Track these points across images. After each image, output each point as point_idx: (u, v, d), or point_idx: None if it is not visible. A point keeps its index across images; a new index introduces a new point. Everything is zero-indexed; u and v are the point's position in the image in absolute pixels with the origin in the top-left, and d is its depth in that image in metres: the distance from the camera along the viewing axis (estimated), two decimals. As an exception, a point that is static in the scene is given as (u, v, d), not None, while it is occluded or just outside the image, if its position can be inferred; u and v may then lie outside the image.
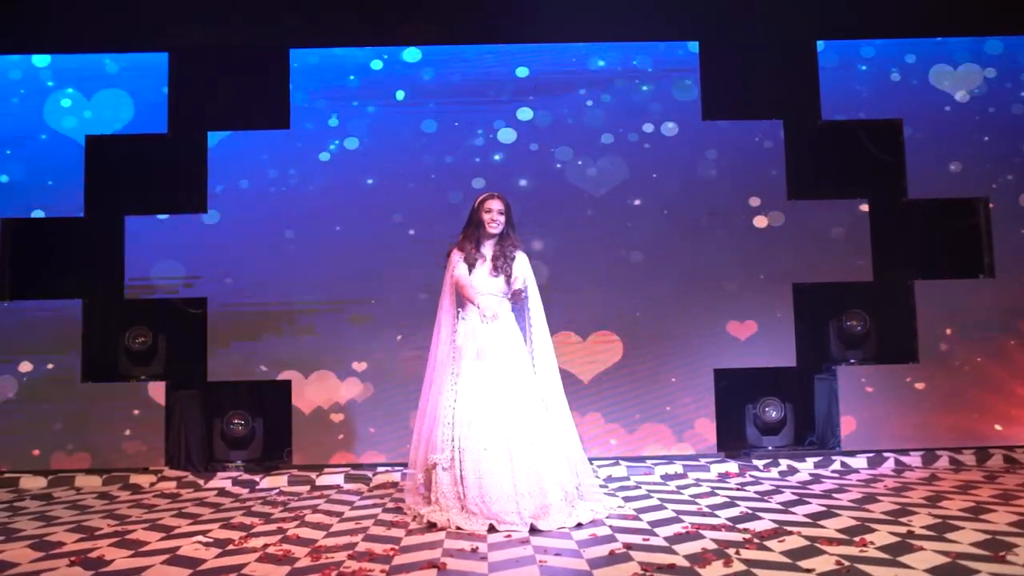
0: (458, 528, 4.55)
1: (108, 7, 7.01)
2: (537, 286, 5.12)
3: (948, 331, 6.93)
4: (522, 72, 7.18)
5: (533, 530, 4.51)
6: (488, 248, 5.03)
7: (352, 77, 7.16)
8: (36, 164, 7.01)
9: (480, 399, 4.77)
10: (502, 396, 4.77)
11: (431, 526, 4.64)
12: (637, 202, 7.09)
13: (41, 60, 7.11)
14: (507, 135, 7.13)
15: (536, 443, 4.71)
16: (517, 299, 5.04)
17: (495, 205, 5.02)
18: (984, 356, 6.91)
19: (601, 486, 5.90)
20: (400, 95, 7.16)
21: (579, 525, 4.63)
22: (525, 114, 7.16)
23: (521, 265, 5.03)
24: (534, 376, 4.97)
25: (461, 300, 5.04)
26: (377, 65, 7.18)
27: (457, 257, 5.04)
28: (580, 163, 7.13)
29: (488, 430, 4.68)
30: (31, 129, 7.04)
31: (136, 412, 6.75)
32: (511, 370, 4.85)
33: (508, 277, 4.96)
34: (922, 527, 4.39)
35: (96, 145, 7.07)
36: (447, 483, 4.70)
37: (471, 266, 4.97)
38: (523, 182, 7.07)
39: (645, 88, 7.18)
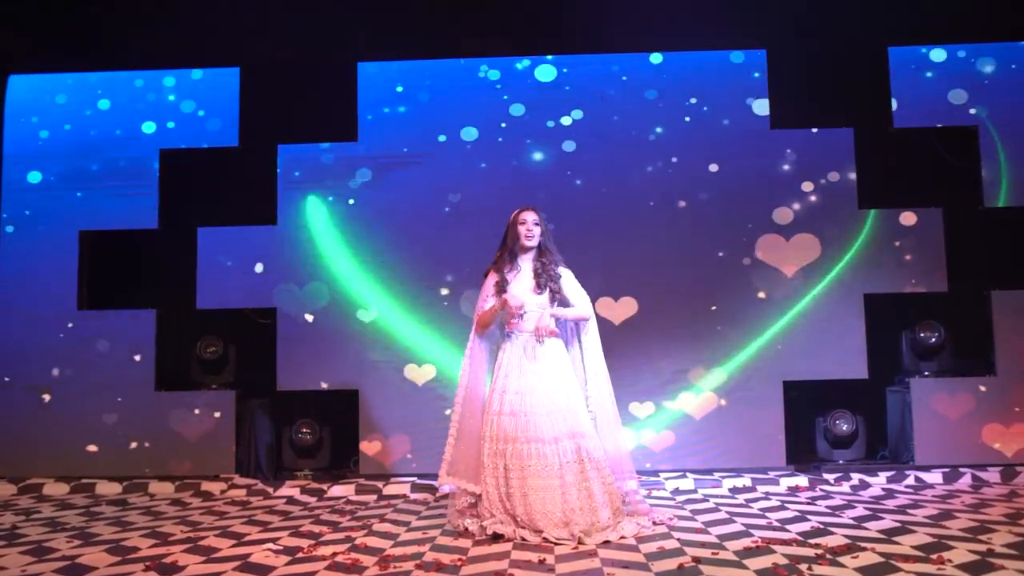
0: (523, 540, 4.53)
1: (181, 25, 7.18)
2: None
3: (1028, 343, 6.71)
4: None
5: (579, 542, 4.48)
6: (526, 263, 4.94)
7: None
8: (113, 178, 7.20)
9: (528, 416, 4.69)
10: (551, 413, 4.70)
11: (496, 537, 4.62)
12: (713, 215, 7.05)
13: (118, 76, 7.32)
14: (569, 146, 7.13)
15: (587, 460, 4.65)
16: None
17: (529, 217, 4.93)
18: (1065, 369, 6.66)
19: (668, 498, 5.87)
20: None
21: (638, 537, 4.60)
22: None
23: (569, 281, 4.96)
24: (585, 391, 4.92)
25: (502, 322, 4.97)
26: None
27: (493, 279, 4.95)
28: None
29: (535, 446, 4.63)
30: (108, 144, 7.24)
31: (207, 420, 6.89)
32: (560, 388, 4.77)
33: (553, 293, 4.87)
34: (1003, 545, 4.25)
35: (170, 158, 7.23)
36: (496, 499, 4.68)
37: (507, 285, 4.87)
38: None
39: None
